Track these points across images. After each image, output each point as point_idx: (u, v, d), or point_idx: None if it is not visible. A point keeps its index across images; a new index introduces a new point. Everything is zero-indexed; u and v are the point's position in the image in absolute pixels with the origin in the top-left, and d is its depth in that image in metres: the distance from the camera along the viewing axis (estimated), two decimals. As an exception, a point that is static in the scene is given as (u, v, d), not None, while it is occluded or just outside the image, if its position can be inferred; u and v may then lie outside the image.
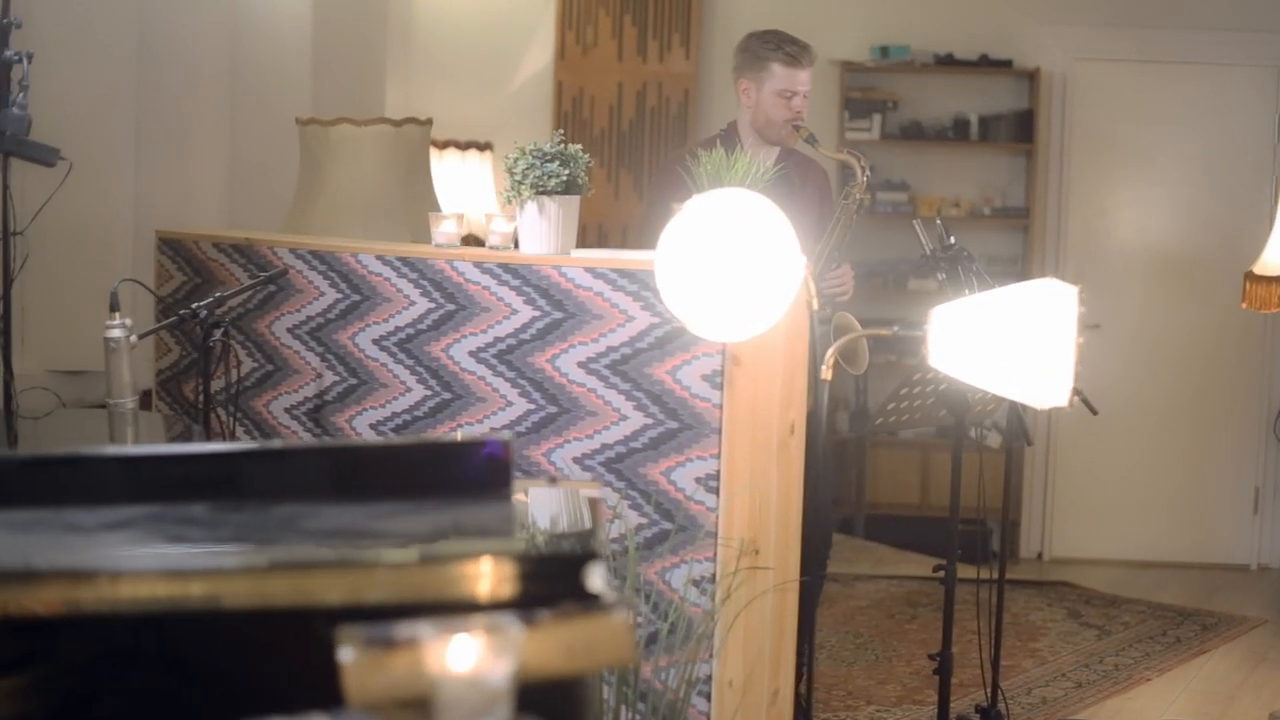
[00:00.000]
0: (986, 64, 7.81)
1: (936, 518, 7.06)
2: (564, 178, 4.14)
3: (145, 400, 5.30)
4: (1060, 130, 7.89)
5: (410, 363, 4.35)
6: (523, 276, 4.13)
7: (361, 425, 4.46)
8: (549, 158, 4.15)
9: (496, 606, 1.97)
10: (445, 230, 4.45)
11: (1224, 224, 7.77)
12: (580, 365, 4.04)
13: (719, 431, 3.82)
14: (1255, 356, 7.89)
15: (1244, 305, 5.70)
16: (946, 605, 4.69)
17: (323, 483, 2.36)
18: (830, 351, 3.59)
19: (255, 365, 4.70)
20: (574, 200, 4.18)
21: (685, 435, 3.88)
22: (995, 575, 5.23)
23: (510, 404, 4.16)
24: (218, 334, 4.06)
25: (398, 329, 4.38)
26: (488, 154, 7.61)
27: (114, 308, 3.91)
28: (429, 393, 4.32)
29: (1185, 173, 7.85)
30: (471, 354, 4.23)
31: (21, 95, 3.96)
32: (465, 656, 1.75)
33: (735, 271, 3.09)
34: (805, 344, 3.89)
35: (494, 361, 4.19)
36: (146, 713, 2.13)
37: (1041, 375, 3.25)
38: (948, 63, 7.82)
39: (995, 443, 7.64)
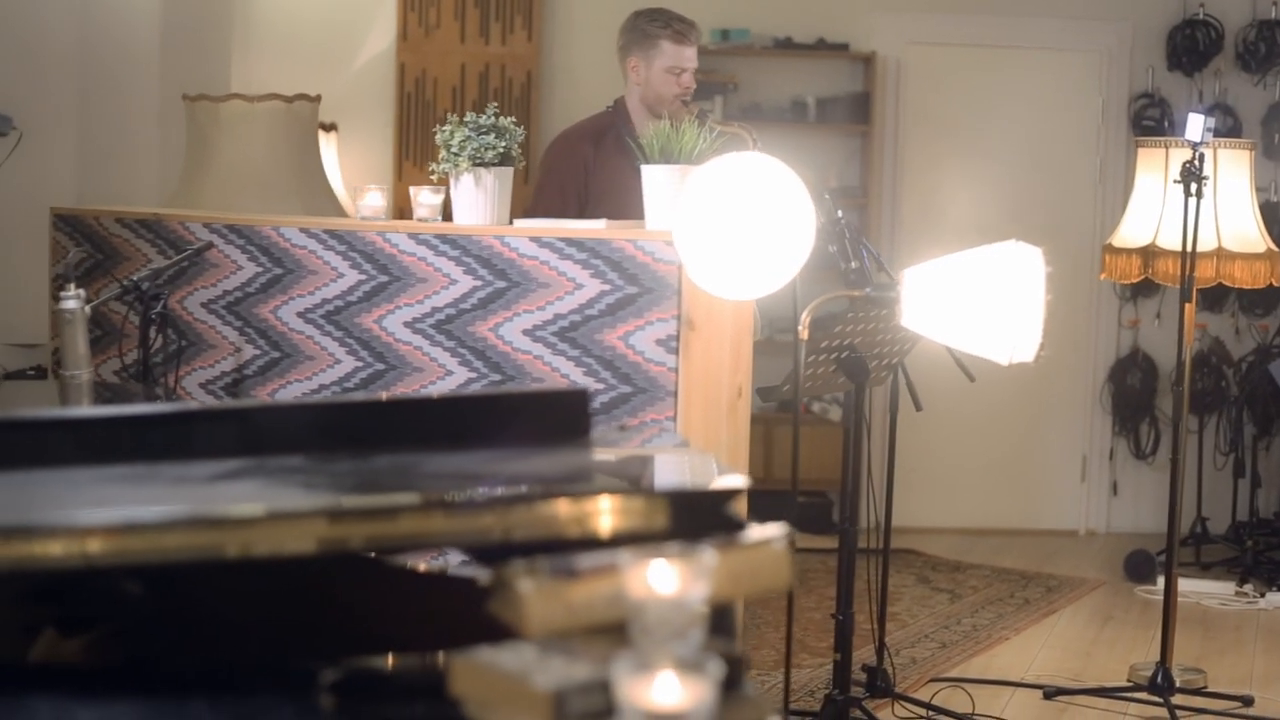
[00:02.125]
0: (824, 48, 7.99)
1: (779, 490, 7.20)
2: (500, 149, 4.20)
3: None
4: (895, 112, 8.11)
5: (339, 335, 4.36)
6: (462, 247, 4.17)
7: (286, 398, 4.45)
8: (485, 130, 4.20)
9: (649, 540, 2.03)
10: (371, 203, 4.46)
11: (1050, 203, 8.07)
12: (526, 333, 4.09)
13: (674, 394, 3.91)
14: (1082, 331, 8.20)
15: (1102, 276, 5.93)
16: (843, 568, 4.78)
17: (413, 434, 2.40)
18: (806, 311, 3.70)
19: (167, 341, 4.66)
20: (509, 172, 4.24)
21: (639, 399, 3.96)
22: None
23: (450, 373, 4.20)
24: (158, 306, 4.02)
25: (324, 301, 4.39)
26: (333, 135, 7.59)
27: (68, 279, 3.86)
28: (360, 364, 4.34)
29: (1014, 153, 8.13)
30: (407, 324, 4.26)
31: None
32: (668, 580, 1.82)
33: (754, 230, 3.19)
34: (751, 308, 3.99)
35: (431, 331, 4.22)
36: (292, 652, 2.15)
37: (1010, 332, 3.40)
38: (786, 46, 7.99)
39: (835, 416, 7.84)
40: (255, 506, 2.04)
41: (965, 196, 8.11)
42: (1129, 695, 5.48)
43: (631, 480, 2.32)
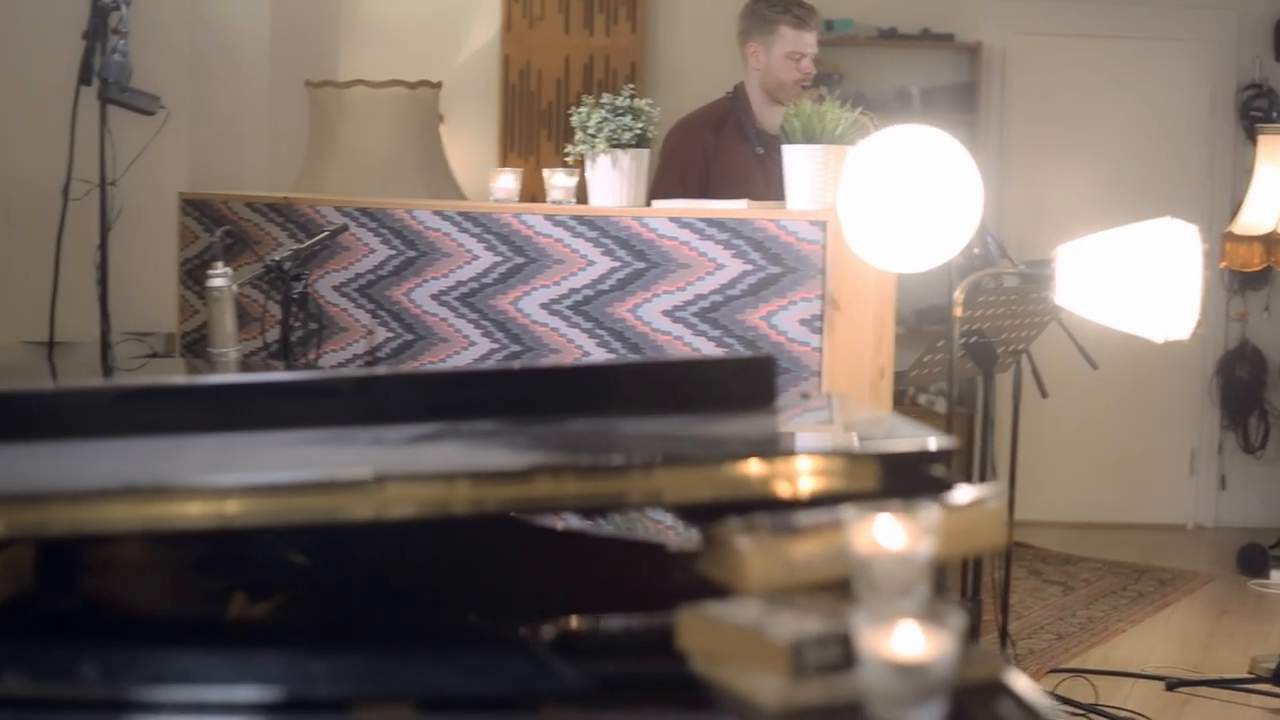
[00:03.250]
0: (929, 38, 7.96)
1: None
2: (637, 131, 4.20)
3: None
4: (1000, 103, 8.07)
5: (474, 317, 4.37)
6: (599, 228, 4.18)
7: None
8: (622, 111, 4.20)
9: (859, 500, 2.02)
10: (504, 185, 4.47)
11: (1157, 194, 8.00)
12: (665, 314, 4.09)
13: (819, 375, 3.90)
14: (1190, 322, 8.13)
15: (1222, 265, 5.88)
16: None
17: (604, 399, 2.40)
18: (961, 285, 3.69)
19: (308, 320, 4.68)
20: (644, 154, 4.24)
21: (782, 379, 3.94)
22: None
23: (587, 354, 4.20)
24: (300, 286, 4.05)
25: (459, 283, 4.40)
26: (440, 127, 7.61)
27: (215, 257, 3.89)
28: (495, 346, 4.35)
29: (1120, 144, 8.07)
30: (543, 306, 4.26)
31: (121, 42, 3.92)
32: (895, 536, 1.81)
33: (921, 203, 3.18)
34: (893, 287, 3.98)
35: (568, 313, 4.23)
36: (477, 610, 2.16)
37: (1166, 309, 3.38)
38: (891, 37, 7.97)
39: (941, 408, 7.80)
40: (469, 463, 2.05)
41: (1070, 187, 8.05)
42: (1251, 687, 5.43)
43: (837, 441, 2.32)
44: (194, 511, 1.98)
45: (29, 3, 5.52)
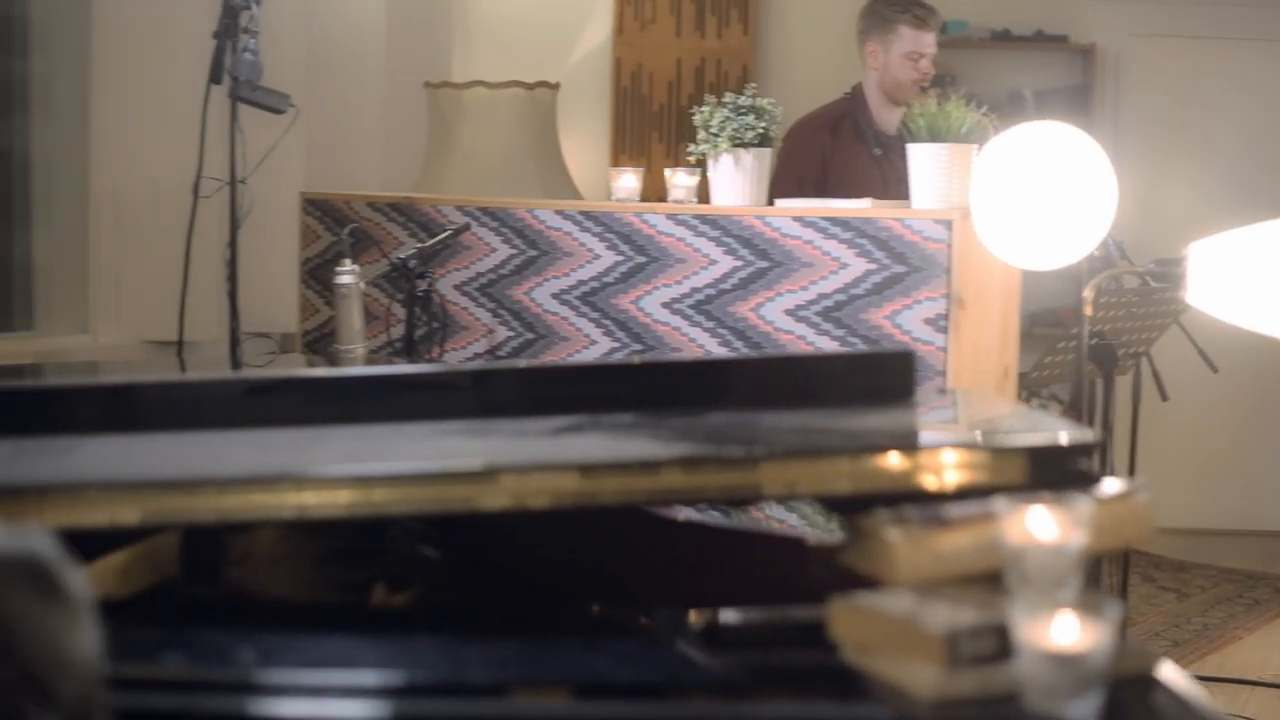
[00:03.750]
0: (1042, 39, 7.91)
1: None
2: (760, 130, 4.20)
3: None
4: (1114, 105, 8.00)
5: (595, 315, 4.39)
6: (722, 227, 4.18)
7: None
8: (744, 110, 4.20)
9: (1006, 492, 2.02)
10: (625, 185, 4.49)
11: (1275, 199, 7.90)
12: (788, 313, 4.09)
13: (943, 374, 3.89)
14: (1307, 326, 8.02)
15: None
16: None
17: (742, 393, 2.41)
18: (1091, 285, 3.67)
19: (431, 318, 4.71)
20: (766, 152, 4.24)
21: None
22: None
23: (709, 353, 4.20)
24: (425, 284, 4.08)
25: (580, 282, 4.42)
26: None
27: (343, 255, 3.93)
28: (616, 344, 4.36)
29: (1237, 147, 7.97)
30: (664, 305, 4.27)
31: (252, 41, 3.97)
32: (1048, 527, 1.81)
33: (1056, 200, 3.16)
34: (1019, 286, 3.97)
35: (690, 311, 4.23)
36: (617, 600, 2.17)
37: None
38: (1004, 38, 7.92)
39: (1056, 412, 7.75)
40: (610, 455, 2.06)
41: (1186, 190, 7.96)
42: (1370, 694, 5.38)
43: (982, 433, 2.32)
44: (341, 500, 2.00)
45: (160, 3, 5.59)
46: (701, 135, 4.26)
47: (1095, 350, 4.55)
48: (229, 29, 3.98)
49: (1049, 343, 5.03)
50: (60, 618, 1.32)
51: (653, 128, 7.78)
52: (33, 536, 1.36)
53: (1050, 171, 3.23)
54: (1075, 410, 4.25)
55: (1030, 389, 6.19)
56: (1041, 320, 7.48)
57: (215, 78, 4.08)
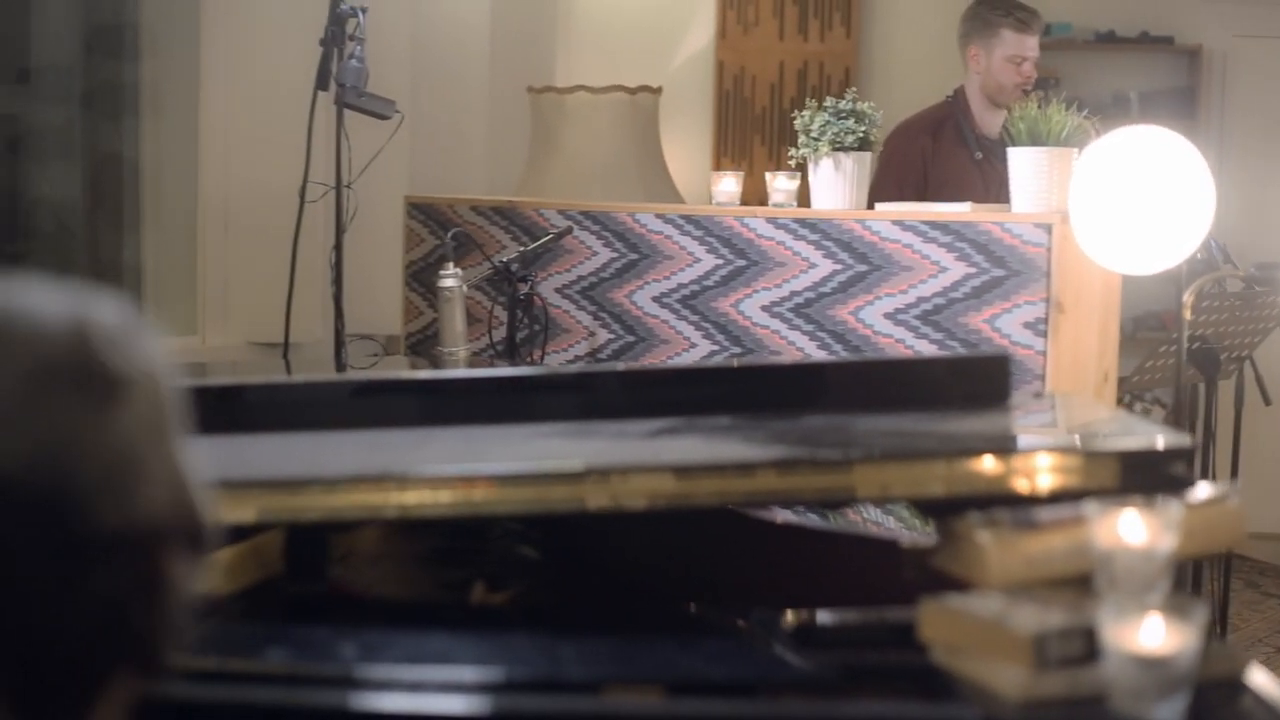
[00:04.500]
0: (1147, 41, 7.87)
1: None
2: (860, 134, 4.22)
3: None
4: (1220, 107, 7.94)
5: (695, 319, 4.42)
6: (822, 231, 4.20)
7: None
8: (844, 114, 4.22)
9: (1100, 496, 2.03)
10: (726, 188, 4.52)
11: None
12: (887, 316, 4.10)
13: (1042, 379, 3.89)
14: None
15: None
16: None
17: (837, 397, 2.43)
18: (1190, 290, 3.67)
19: (533, 321, 4.76)
20: (867, 156, 4.26)
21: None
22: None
23: (809, 357, 4.22)
24: (527, 287, 4.13)
25: (680, 286, 4.45)
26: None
27: (446, 258, 3.99)
28: (716, 348, 4.39)
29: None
30: (764, 308, 4.30)
31: (358, 48, 4.03)
32: (1137, 531, 1.82)
33: (1154, 205, 3.17)
34: (1119, 291, 3.96)
35: (790, 315, 4.26)
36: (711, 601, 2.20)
37: None
38: (1109, 40, 7.88)
39: (1158, 417, 7.70)
40: (708, 457, 2.10)
41: (1294, 195, 7.91)
42: None
43: (1075, 437, 2.34)
44: (442, 499, 2.05)
45: (268, 10, 5.68)
46: (802, 139, 4.28)
47: (1196, 354, 4.53)
48: (336, 36, 4.04)
49: (1151, 346, 5.01)
50: (124, 419, 1.08)
51: (755, 131, 7.81)
52: (79, 301, 1.13)
53: (1148, 177, 3.24)
54: (1177, 415, 4.23)
55: (1132, 393, 6.17)
56: (1144, 324, 7.45)
57: (322, 84, 4.14)
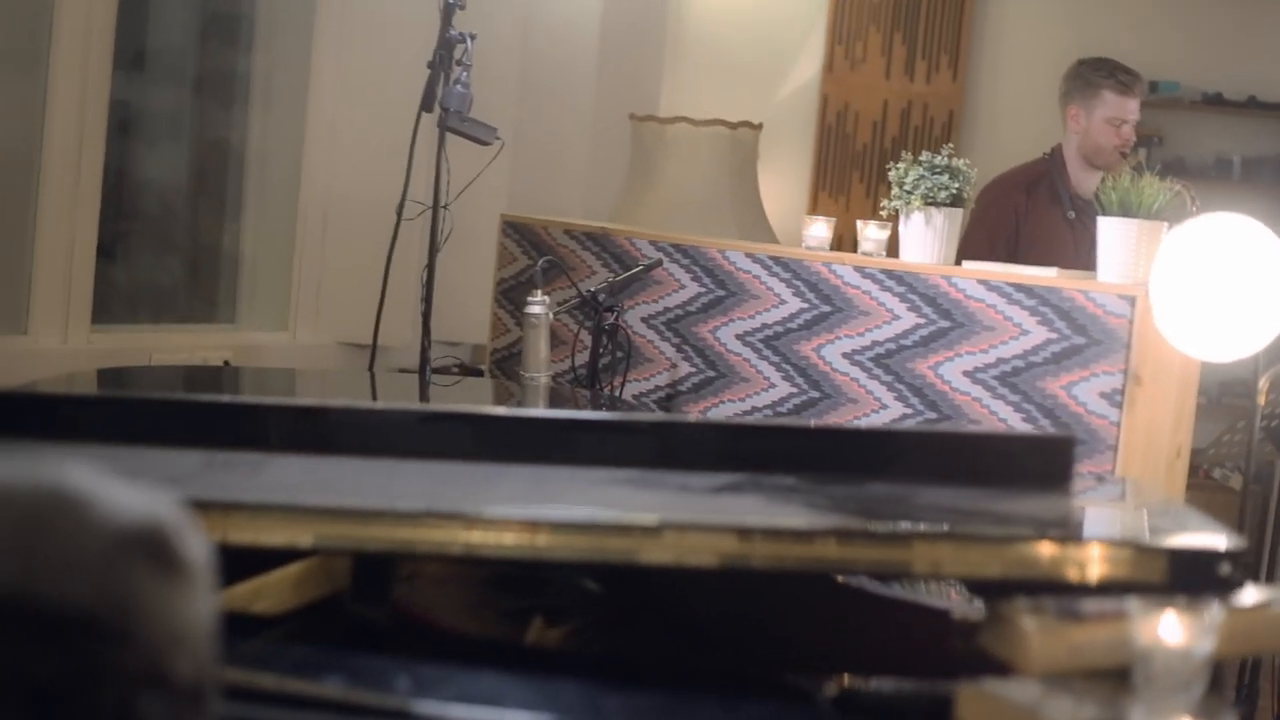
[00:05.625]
0: (1255, 106, 7.83)
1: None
2: (952, 190, 4.25)
3: (474, 374, 5.47)
4: (1324, 178, 7.90)
5: (776, 359, 4.47)
6: (908, 284, 4.24)
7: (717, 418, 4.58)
8: (939, 169, 4.26)
9: (1148, 590, 2.07)
10: (816, 233, 4.56)
11: None
12: (966, 374, 4.14)
13: (1114, 449, 3.91)
14: None
15: None
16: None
17: (901, 465, 2.47)
18: (1266, 376, 3.68)
19: (616, 350, 4.82)
20: (958, 213, 4.29)
21: (1077, 451, 3.96)
22: None
23: (885, 407, 4.27)
24: (613, 317, 4.19)
25: (765, 325, 4.50)
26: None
27: (535, 285, 4.05)
28: (795, 390, 4.43)
29: None
30: (845, 355, 4.34)
31: (464, 74, 4.11)
32: (1176, 631, 1.86)
33: (1235, 292, 3.19)
34: (1197, 369, 3.98)
35: (870, 364, 4.30)
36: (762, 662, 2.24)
37: None
38: (1216, 102, 7.85)
39: (1236, 484, 7.67)
40: (766, 521, 2.14)
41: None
42: None
43: (1128, 530, 2.37)
44: (507, 541, 2.11)
45: (381, 21, 5.78)
46: (895, 191, 4.32)
47: (1275, 432, 4.54)
48: (443, 60, 4.12)
49: (1236, 413, 5.00)
50: (181, 593, 1.24)
51: (854, 167, 7.84)
52: (155, 499, 1.28)
53: (1232, 265, 3.26)
54: (1243, 497, 4.25)
55: (1210, 464, 6.16)
56: (1231, 390, 7.41)
57: (426, 106, 4.22)
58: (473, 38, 4.13)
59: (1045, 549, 2.09)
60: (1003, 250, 5.09)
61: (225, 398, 2.75)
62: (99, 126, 5.16)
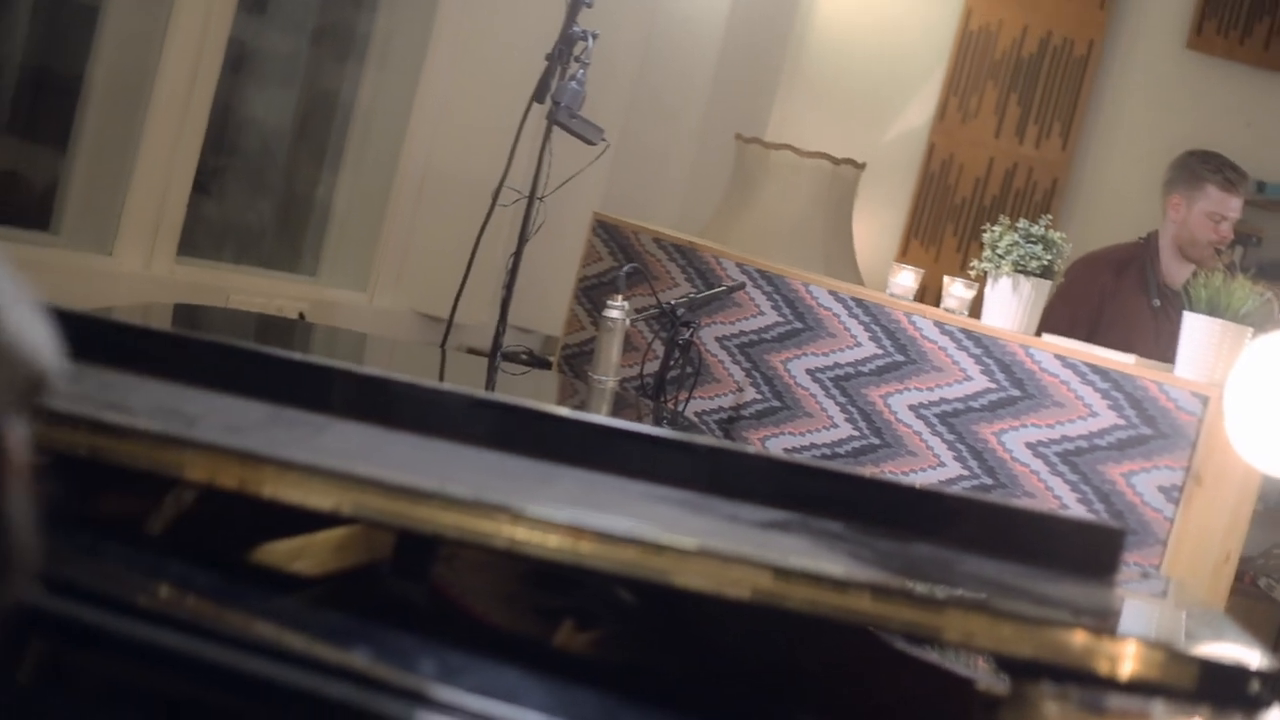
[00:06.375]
0: (1359, 222, 7.77)
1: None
2: (1044, 262, 4.25)
3: (542, 364, 5.49)
4: None
5: (843, 400, 4.47)
6: (985, 347, 4.23)
7: (774, 447, 4.58)
8: (1034, 239, 4.25)
9: (1175, 695, 2.06)
10: (902, 282, 4.56)
11: None
12: (1029, 446, 4.13)
13: (1164, 544, 3.90)
14: None
15: None
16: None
17: (951, 529, 2.47)
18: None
19: (686, 365, 4.83)
20: (1046, 285, 4.28)
21: (1128, 540, 3.95)
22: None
23: (943, 465, 4.26)
24: (688, 333, 4.21)
25: (836, 365, 4.50)
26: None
27: (618, 288, 4.07)
28: (856, 433, 4.43)
29: None
30: (912, 407, 4.34)
31: (581, 71, 4.13)
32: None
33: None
34: (1260, 477, 3.96)
35: (935, 420, 4.29)
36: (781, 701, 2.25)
37: None
38: (1321, 211, 7.80)
39: (1280, 595, 7.61)
40: (812, 564, 2.15)
41: None
42: None
43: (1164, 631, 2.37)
44: (550, 543, 2.12)
45: (505, 15, 5.81)
46: (986, 253, 4.32)
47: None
48: (562, 54, 4.14)
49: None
50: None
51: (950, 219, 7.83)
52: None
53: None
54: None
55: (1257, 572, 6.12)
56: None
57: (539, 97, 4.24)
58: (595, 36, 4.15)
59: (1079, 637, 2.09)
60: (1083, 328, 5.08)
61: (299, 356, 2.77)
62: (214, 62, 5.21)
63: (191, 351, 2.72)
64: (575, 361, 5.21)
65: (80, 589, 2.05)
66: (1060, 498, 4.06)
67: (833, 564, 2.19)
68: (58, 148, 5.28)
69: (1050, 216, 4.54)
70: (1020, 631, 2.09)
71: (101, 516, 2.41)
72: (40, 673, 1.98)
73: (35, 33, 5.42)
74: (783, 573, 2.09)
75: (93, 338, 2.65)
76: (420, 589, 2.45)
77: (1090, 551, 2.48)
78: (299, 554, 2.37)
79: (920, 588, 2.15)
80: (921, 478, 4.27)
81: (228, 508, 2.38)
